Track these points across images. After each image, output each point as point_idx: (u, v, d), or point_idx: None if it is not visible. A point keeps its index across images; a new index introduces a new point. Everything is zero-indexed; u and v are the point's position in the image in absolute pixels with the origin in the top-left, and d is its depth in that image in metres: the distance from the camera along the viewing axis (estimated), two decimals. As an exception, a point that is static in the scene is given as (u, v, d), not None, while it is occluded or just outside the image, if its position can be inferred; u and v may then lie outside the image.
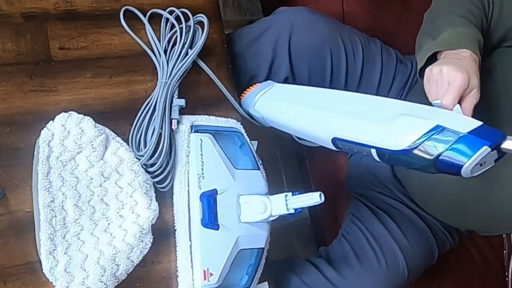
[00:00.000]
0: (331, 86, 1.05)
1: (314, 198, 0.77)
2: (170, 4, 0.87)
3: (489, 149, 0.69)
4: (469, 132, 0.71)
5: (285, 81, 1.03)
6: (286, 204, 0.80)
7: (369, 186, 1.14)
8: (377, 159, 0.77)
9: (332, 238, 1.11)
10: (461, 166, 0.70)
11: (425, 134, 0.71)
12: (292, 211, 0.80)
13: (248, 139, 0.87)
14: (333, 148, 0.82)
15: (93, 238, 0.73)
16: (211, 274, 0.77)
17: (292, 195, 0.80)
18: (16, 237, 0.70)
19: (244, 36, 1.00)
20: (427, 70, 0.79)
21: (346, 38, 1.04)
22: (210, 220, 0.79)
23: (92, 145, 0.73)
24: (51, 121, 0.73)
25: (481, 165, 0.72)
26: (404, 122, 0.74)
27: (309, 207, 0.79)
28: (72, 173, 0.73)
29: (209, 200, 0.79)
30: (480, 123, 0.72)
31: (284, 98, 0.91)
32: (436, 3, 0.94)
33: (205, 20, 0.85)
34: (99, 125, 0.75)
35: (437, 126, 0.71)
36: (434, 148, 0.71)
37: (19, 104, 0.74)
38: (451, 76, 0.75)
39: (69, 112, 0.74)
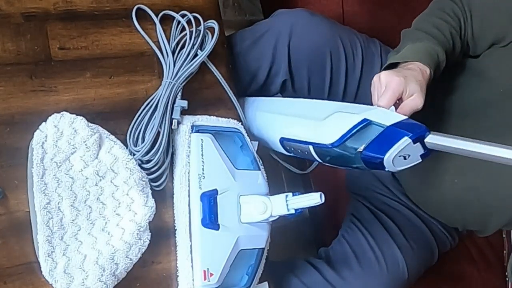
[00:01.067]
0: (330, 88, 1.05)
1: (314, 199, 0.77)
2: (169, 4, 0.87)
3: (410, 141, 0.73)
4: (392, 125, 0.74)
5: (283, 84, 1.04)
6: (287, 205, 0.80)
7: (369, 186, 1.14)
8: (318, 158, 0.81)
9: (332, 238, 1.11)
10: (382, 157, 0.73)
11: (352, 127, 0.75)
12: (293, 211, 0.80)
13: (248, 140, 0.87)
14: (283, 151, 0.87)
15: (91, 238, 0.73)
16: (211, 274, 0.77)
17: (293, 195, 0.80)
18: (16, 237, 0.70)
19: (244, 38, 1.00)
20: (372, 80, 0.84)
21: (345, 39, 1.05)
22: (211, 220, 0.78)
23: (86, 144, 0.73)
24: (43, 123, 0.73)
25: (405, 158, 0.75)
26: (336, 117, 0.79)
27: (309, 208, 0.79)
28: (67, 173, 0.73)
29: (210, 200, 0.79)
30: (405, 117, 0.77)
31: (249, 107, 0.97)
32: (414, 22, 0.98)
33: (215, 26, 0.86)
34: (92, 125, 0.75)
35: (364, 120, 0.75)
36: (359, 141, 0.75)
37: (19, 104, 0.74)
38: (387, 79, 0.80)
39: (62, 113, 0.74)
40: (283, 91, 1.07)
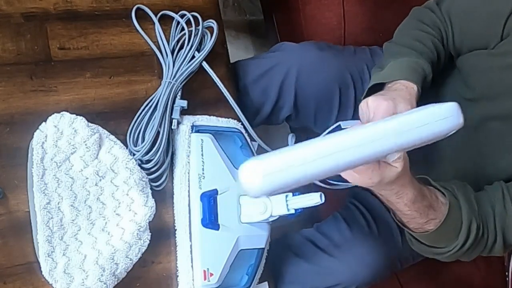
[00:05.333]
0: (338, 115, 1.06)
1: (314, 199, 0.77)
2: (169, 4, 0.87)
3: None
4: None
5: (288, 118, 1.05)
6: (287, 205, 0.80)
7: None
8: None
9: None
10: None
11: None
12: (293, 211, 0.80)
13: (248, 140, 0.87)
14: None
15: (91, 238, 0.73)
16: (211, 274, 0.77)
17: (293, 195, 0.80)
18: (16, 237, 0.70)
19: (252, 70, 1.00)
20: (360, 105, 0.82)
21: (353, 69, 1.05)
22: (211, 220, 0.79)
23: (85, 144, 0.73)
24: (43, 123, 0.73)
25: None
26: None
27: (309, 208, 0.79)
28: (67, 173, 0.73)
29: (210, 200, 0.79)
30: None
31: None
32: (395, 34, 0.98)
33: (214, 25, 0.86)
34: (92, 125, 0.75)
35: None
36: None
37: (19, 104, 0.74)
38: (375, 105, 0.78)
39: (62, 113, 0.74)
40: (289, 121, 1.08)
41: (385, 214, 1.04)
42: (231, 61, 0.96)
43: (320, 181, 0.97)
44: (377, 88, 0.88)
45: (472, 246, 0.79)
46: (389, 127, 0.59)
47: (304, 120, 1.06)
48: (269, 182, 0.52)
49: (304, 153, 0.53)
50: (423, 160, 0.97)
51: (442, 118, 0.62)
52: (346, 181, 0.74)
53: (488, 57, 0.88)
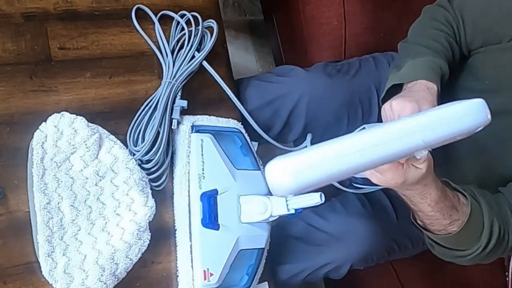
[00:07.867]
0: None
1: (314, 199, 0.77)
2: (169, 4, 0.87)
3: None
4: None
5: (295, 142, 1.06)
6: (287, 205, 0.80)
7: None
8: None
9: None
10: None
11: None
12: (293, 211, 0.80)
13: (248, 139, 0.87)
14: None
15: (91, 238, 0.73)
16: (211, 274, 0.77)
17: (293, 195, 0.80)
18: (16, 237, 0.70)
19: (262, 95, 1.00)
20: (382, 107, 0.81)
21: (361, 91, 1.05)
22: (211, 220, 0.79)
23: (85, 144, 0.73)
24: (43, 123, 0.73)
25: None
26: None
27: (309, 208, 0.79)
28: (67, 173, 0.73)
29: (210, 200, 0.79)
30: None
31: None
32: (409, 33, 0.98)
33: (214, 25, 0.86)
34: (92, 125, 0.75)
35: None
36: None
37: (19, 104, 0.74)
38: (400, 107, 0.76)
39: (62, 113, 0.74)
40: (296, 142, 1.09)
41: (380, 195, 1.05)
42: (234, 64, 0.96)
43: (345, 186, 0.97)
44: (395, 88, 0.88)
45: (495, 247, 0.79)
46: (416, 124, 0.60)
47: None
48: (299, 180, 0.51)
49: (333, 150, 0.54)
50: (442, 159, 0.97)
51: (469, 114, 0.63)
52: (371, 184, 0.74)
53: (499, 51, 0.88)
